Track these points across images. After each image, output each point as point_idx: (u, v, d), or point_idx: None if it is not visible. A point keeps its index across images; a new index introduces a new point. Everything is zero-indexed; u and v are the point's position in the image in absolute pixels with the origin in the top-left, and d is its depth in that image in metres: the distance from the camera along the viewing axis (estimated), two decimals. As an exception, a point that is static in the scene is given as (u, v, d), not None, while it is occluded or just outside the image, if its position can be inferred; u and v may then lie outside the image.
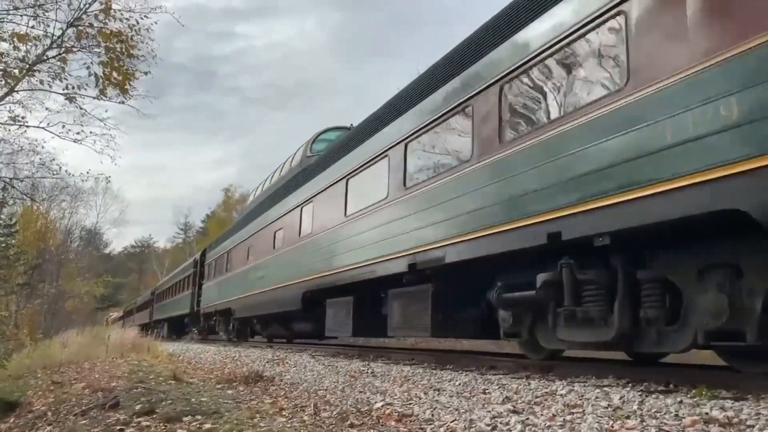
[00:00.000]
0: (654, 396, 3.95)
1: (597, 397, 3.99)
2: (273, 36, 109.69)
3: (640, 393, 4.09)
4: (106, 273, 49.25)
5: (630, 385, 4.70)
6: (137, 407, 4.40)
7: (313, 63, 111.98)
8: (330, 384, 5.76)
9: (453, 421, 3.51)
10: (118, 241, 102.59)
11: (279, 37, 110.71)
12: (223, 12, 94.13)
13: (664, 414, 3.34)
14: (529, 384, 4.89)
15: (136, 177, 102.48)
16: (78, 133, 16.51)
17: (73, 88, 15.51)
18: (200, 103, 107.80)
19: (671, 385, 4.57)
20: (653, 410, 3.45)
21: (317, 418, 3.90)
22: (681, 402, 3.63)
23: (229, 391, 5.46)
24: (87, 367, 8.61)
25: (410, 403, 4.23)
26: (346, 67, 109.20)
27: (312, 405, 4.28)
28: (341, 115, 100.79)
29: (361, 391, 5.08)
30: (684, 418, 3.19)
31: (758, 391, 3.97)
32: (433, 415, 3.76)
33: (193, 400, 4.70)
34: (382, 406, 4.14)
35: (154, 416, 4.14)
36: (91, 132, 16.71)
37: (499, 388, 4.78)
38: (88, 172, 19.77)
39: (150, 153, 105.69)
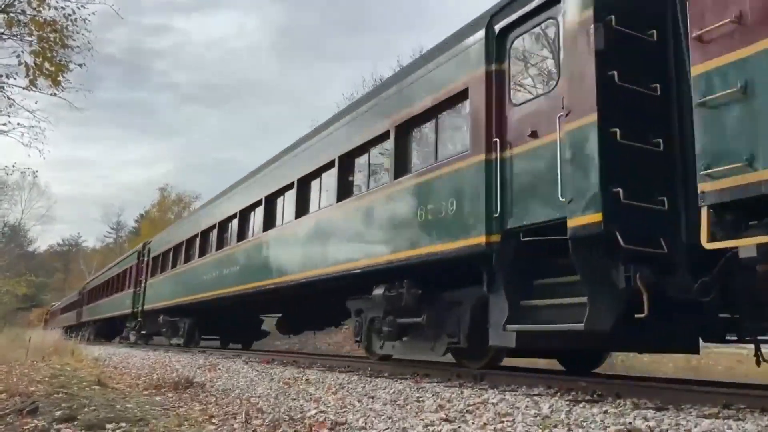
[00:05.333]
0: (581, 405, 4.07)
1: (527, 406, 4.07)
2: (212, 33, 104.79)
3: (568, 402, 4.21)
4: (29, 272, 46.93)
5: (558, 394, 4.83)
6: (57, 413, 4.19)
7: (253, 63, 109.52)
8: (263, 391, 5.66)
9: (386, 429, 3.50)
10: (44, 239, 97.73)
11: (218, 34, 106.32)
12: (161, 4, 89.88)
13: (590, 423, 3.44)
14: (462, 392, 4.95)
15: (63, 172, 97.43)
16: (4, 125, 15.75)
17: (0, 76, 14.75)
18: (132, 98, 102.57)
19: (596, 395, 4.73)
20: (580, 419, 3.54)
21: (248, 426, 3.82)
22: (606, 412, 3.75)
23: (157, 398, 5.29)
24: (4, 370, 8.16)
25: (344, 411, 4.21)
26: (287, 70, 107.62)
27: (243, 412, 4.19)
28: (278, 119, 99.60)
29: (294, 399, 5.02)
30: (609, 427, 3.29)
31: (678, 402, 4.16)
32: (366, 423, 3.75)
33: (117, 406, 4.52)
34: (316, 413, 4.10)
35: (75, 423, 3.95)
36: (18, 123, 15.96)
37: (432, 396, 4.81)
38: (13, 165, 18.80)
39: (77, 147, 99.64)
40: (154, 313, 18.29)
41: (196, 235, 15.35)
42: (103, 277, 29.21)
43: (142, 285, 19.67)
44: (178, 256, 16.71)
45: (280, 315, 13.95)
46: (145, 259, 20.09)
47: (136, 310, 20.08)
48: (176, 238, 17.02)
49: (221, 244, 13.50)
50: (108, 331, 27.80)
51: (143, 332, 20.38)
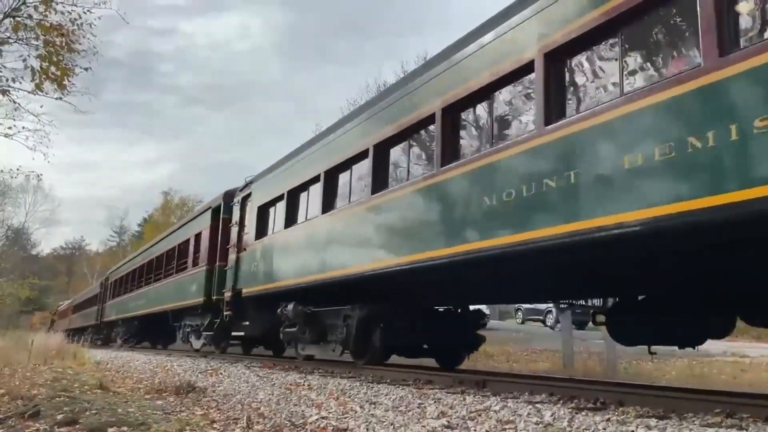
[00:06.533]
0: (584, 413, 4.05)
1: (529, 414, 4.06)
2: (216, 35, 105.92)
3: (570, 410, 4.19)
4: (33, 275, 47.06)
5: (561, 402, 4.81)
6: (59, 417, 4.20)
7: (257, 65, 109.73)
8: (265, 396, 5.66)
9: (388, 435, 3.50)
10: (47, 242, 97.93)
11: (222, 36, 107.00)
12: (166, 8, 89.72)
13: (593, 431, 3.43)
14: (464, 399, 4.93)
15: (67, 175, 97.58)
16: (9, 128, 15.78)
17: (6, 80, 14.79)
18: (136, 101, 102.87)
19: (598, 403, 4.71)
20: (582, 427, 3.53)
21: (250, 430, 3.82)
22: (609, 419, 3.74)
23: (159, 402, 5.29)
24: (7, 373, 8.17)
25: (345, 417, 4.20)
26: (291, 72, 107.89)
27: (245, 417, 4.18)
28: (281, 121, 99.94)
29: (296, 404, 5.01)
30: (611, 435, 3.28)
31: (681, 410, 4.14)
32: (368, 429, 3.74)
33: (119, 410, 4.52)
34: (317, 419, 4.09)
35: (77, 426, 3.96)
36: (24, 127, 15.99)
37: (434, 402, 4.80)
38: (18, 169, 18.78)
39: (80, 150, 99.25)
40: (262, 300, 11.03)
41: (398, 135, 7.39)
42: (140, 259, 21.63)
43: (231, 257, 12.76)
44: (333, 188, 8.92)
45: (611, 305, 6.85)
46: (238, 213, 12.93)
47: (220, 296, 13.17)
48: (333, 155, 8.87)
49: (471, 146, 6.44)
50: (145, 333, 21.02)
51: (235, 334, 12.78)
